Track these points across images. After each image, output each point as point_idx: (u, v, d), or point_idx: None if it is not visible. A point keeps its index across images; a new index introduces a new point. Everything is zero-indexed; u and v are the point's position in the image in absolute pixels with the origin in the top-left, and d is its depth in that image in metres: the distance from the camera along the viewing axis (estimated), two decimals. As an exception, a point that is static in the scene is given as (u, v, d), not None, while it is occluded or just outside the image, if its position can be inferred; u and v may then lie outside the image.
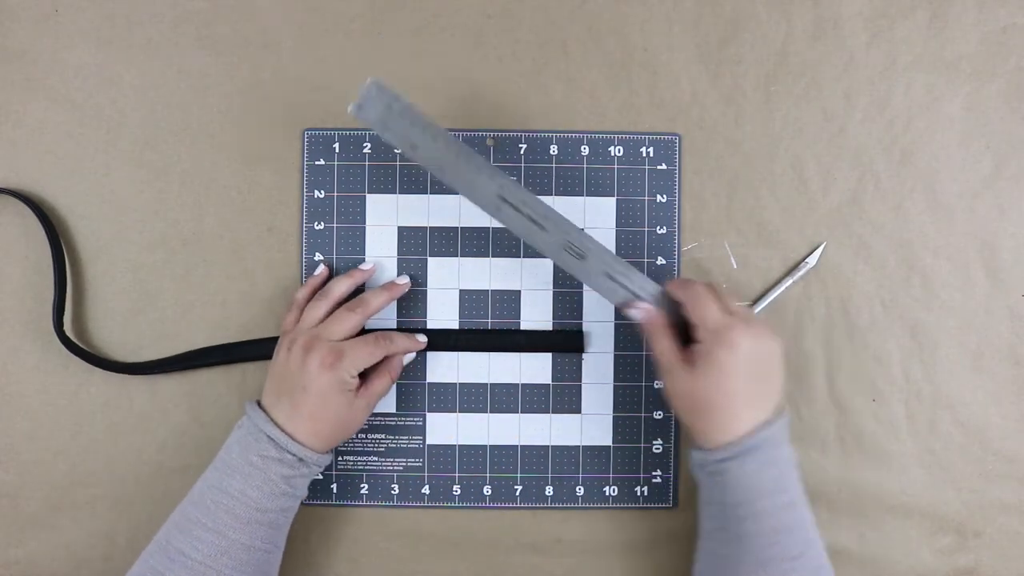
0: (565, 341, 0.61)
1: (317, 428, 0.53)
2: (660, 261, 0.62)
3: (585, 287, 0.61)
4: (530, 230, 0.54)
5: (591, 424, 0.62)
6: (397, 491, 0.61)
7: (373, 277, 0.61)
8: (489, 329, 0.61)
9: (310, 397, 0.53)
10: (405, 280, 0.60)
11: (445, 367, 0.61)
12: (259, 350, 0.60)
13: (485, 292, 0.61)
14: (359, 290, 0.60)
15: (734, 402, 0.50)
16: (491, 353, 0.61)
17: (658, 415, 0.62)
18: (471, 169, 0.53)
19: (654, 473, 0.62)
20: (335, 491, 0.61)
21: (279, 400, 0.53)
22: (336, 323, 0.55)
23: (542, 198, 0.61)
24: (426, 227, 0.61)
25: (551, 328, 0.61)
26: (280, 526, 0.53)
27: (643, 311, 0.55)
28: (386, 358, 0.58)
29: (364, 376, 0.56)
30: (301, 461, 0.53)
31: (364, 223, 0.61)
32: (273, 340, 0.59)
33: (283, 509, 0.53)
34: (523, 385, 0.61)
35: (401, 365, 0.59)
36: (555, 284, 0.62)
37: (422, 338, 0.60)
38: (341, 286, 0.58)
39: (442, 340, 0.60)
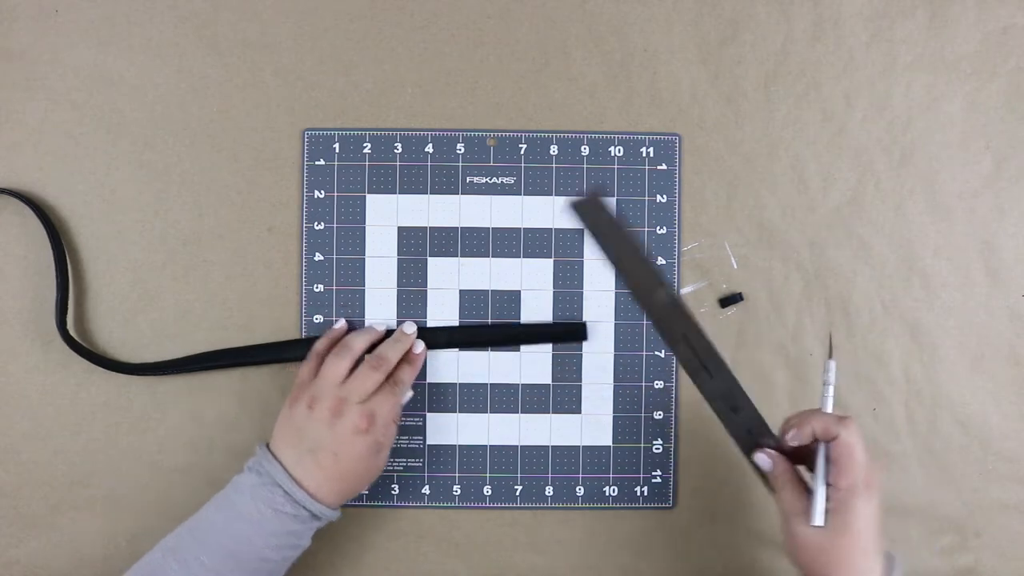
0: (566, 332, 0.61)
1: (343, 488, 0.54)
2: (660, 261, 0.62)
3: (585, 287, 0.61)
4: (697, 372, 0.52)
5: (591, 424, 0.62)
6: (397, 491, 0.61)
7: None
8: (488, 323, 0.61)
9: (342, 461, 0.53)
10: (412, 330, 0.59)
11: (445, 367, 0.61)
12: (270, 354, 0.60)
13: (485, 292, 0.61)
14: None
15: (868, 557, 0.46)
16: (491, 353, 0.61)
17: (658, 415, 0.62)
18: (660, 300, 0.52)
19: (654, 473, 0.62)
20: (335, 491, 0.61)
21: (299, 457, 0.53)
22: (361, 383, 0.55)
23: (542, 198, 0.62)
24: (426, 227, 0.61)
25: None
26: (278, 573, 0.53)
27: (771, 459, 0.50)
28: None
29: None
30: (315, 518, 0.53)
31: (364, 223, 0.61)
32: (285, 345, 0.60)
33: (285, 559, 0.53)
34: (523, 385, 0.61)
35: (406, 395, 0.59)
36: (555, 284, 0.62)
37: (419, 348, 0.59)
38: (361, 341, 0.57)
39: (441, 337, 0.60)
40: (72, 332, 0.60)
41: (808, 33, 0.62)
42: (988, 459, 0.62)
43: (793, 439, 0.49)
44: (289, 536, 0.52)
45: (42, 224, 0.59)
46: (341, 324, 0.60)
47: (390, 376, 0.57)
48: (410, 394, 0.59)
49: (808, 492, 0.49)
